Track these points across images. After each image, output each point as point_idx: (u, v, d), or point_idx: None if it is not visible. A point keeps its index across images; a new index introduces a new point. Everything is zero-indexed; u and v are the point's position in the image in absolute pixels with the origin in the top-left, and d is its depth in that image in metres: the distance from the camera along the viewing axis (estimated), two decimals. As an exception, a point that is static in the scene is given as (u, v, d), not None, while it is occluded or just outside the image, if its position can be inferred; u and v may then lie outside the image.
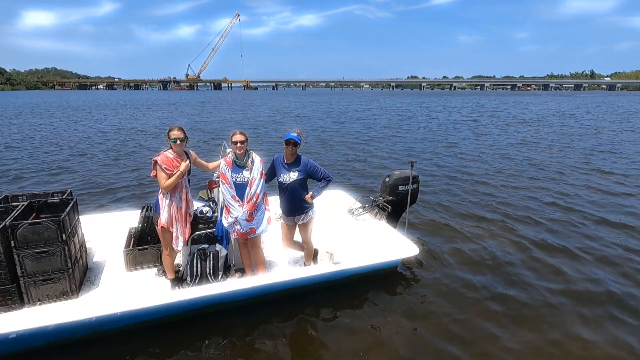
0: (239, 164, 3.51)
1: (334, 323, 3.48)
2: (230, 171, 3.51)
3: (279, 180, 3.66)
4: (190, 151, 3.54)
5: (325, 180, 3.65)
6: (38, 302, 3.24)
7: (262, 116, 27.12)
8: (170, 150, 3.34)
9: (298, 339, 3.29)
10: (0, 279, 3.05)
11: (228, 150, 3.62)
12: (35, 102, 47.02)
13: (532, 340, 3.29)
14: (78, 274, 3.51)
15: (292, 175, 3.56)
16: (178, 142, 3.31)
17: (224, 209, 3.61)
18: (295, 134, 3.55)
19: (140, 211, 4.42)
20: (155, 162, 3.26)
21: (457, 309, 3.72)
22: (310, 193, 3.69)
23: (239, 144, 3.44)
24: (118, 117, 26.13)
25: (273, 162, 3.70)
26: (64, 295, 3.31)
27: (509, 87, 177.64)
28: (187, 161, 3.40)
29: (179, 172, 3.29)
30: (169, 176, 3.27)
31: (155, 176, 3.30)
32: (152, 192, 7.71)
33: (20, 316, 3.09)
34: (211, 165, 3.76)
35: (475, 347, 3.20)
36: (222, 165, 3.56)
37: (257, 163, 3.55)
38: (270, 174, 3.74)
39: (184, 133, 3.36)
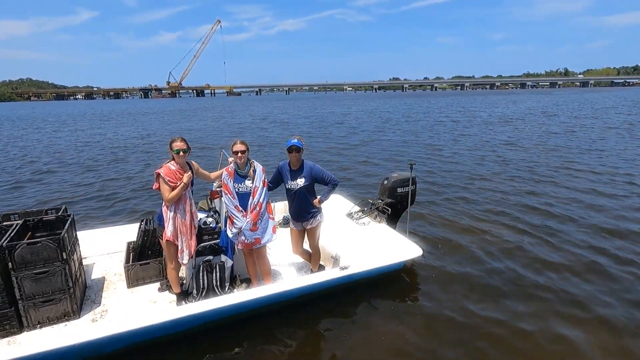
0: (241, 174, 3.47)
1: (342, 329, 3.45)
2: (232, 181, 3.46)
3: (287, 187, 3.65)
4: (192, 162, 3.48)
5: (331, 184, 3.66)
6: (38, 325, 3.10)
7: (245, 123, 26.88)
8: (172, 162, 3.27)
9: (308, 346, 3.25)
10: (-2, 303, 2.91)
11: (230, 159, 3.57)
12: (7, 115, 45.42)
13: (539, 339, 3.33)
14: (78, 293, 3.39)
15: (299, 182, 3.56)
16: (181, 153, 3.24)
17: (228, 219, 3.55)
18: (295, 140, 3.56)
19: (138, 224, 4.29)
20: (158, 174, 3.18)
21: (463, 309, 3.75)
22: (318, 197, 3.69)
23: (239, 154, 3.40)
24: (93, 128, 25.50)
25: (279, 169, 3.69)
26: (65, 316, 3.19)
27: (487, 87, 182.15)
28: (190, 172, 3.34)
29: (182, 184, 3.22)
30: (172, 188, 3.19)
31: (158, 189, 3.22)
32: (141, 205, 7.54)
33: (20, 341, 2.96)
34: (213, 175, 3.71)
35: (482, 348, 3.21)
36: (224, 175, 3.51)
37: (259, 172, 3.51)
38: (276, 181, 3.73)
39: (187, 144, 3.29)
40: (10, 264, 2.92)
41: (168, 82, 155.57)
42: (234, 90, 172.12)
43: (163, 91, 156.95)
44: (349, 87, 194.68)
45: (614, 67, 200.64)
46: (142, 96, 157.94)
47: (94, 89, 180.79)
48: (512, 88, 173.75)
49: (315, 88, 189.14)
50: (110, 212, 7.12)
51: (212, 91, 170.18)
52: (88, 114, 43.57)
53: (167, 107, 58.33)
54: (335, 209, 5.63)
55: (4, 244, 2.92)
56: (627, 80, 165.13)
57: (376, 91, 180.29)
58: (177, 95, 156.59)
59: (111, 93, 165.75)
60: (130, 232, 4.69)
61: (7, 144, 17.45)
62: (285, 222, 5.59)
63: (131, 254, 4.10)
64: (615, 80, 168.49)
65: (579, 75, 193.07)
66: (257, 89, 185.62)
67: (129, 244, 4.22)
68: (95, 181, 9.60)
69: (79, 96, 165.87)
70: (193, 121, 29.34)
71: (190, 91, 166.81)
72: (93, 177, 10.06)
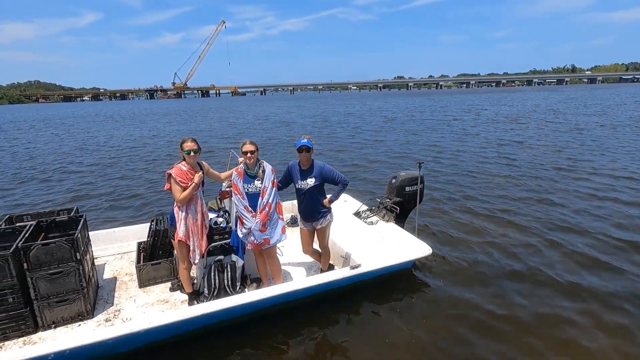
0: (250, 174, 3.48)
1: (351, 328, 3.46)
2: (242, 182, 3.47)
3: (297, 187, 3.65)
4: (203, 162, 3.49)
5: (341, 184, 3.66)
6: (53, 325, 3.14)
7: (249, 123, 26.85)
8: (183, 163, 3.28)
9: (318, 345, 3.25)
10: (14, 304, 2.95)
11: (240, 159, 3.58)
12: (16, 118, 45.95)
13: (551, 338, 3.30)
14: (92, 294, 3.42)
15: (310, 182, 3.55)
16: (192, 153, 3.25)
17: (238, 219, 3.57)
18: (305, 140, 3.56)
19: (148, 225, 4.33)
20: (170, 175, 3.20)
21: (471, 309, 3.73)
22: (328, 197, 3.69)
23: (249, 154, 3.40)
24: (98, 130, 25.71)
25: (288, 169, 3.69)
26: (79, 316, 3.22)
27: (493, 84, 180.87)
28: (201, 173, 3.35)
29: (193, 184, 3.24)
30: (184, 189, 3.21)
31: (169, 189, 3.24)
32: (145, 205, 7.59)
33: (35, 341, 3.00)
34: (223, 175, 3.72)
35: (492, 346, 3.20)
36: (233, 175, 3.52)
37: (269, 172, 3.52)
38: (286, 181, 3.74)
39: (197, 144, 3.31)
40: (25, 264, 2.96)
41: (173, 83, 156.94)
42: (239, 90, 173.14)
43: (168, 92, 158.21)
44: (353, 86, 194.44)
45: (623, 63, 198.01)
46: (148, 97, 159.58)
47: (101, 90, 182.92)
48: (519, 85, 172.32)
49: (320, 87, 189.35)
50: (113, 213, 7.17)
51: (217, 91, 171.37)
52: (92, 115, 43.95)
53: (172, 108, 58.65)
54: (343, 208, 5.62)
55: (19, 245, 2.96)
56: (636, 76, 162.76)
57: (381, 90, 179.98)
58: (182, 95, 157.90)
59: (117, 94, 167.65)
60: (140, 232, 4.74)
61: (13, 146, 17.69)
62: (292, 222, 5.60)
63: (142, 254, 4.13)
64: (623, 76, 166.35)
65: (586, 72, 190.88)
66: (262, 89, 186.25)
67: (139, 244, 4.25)
68: (99, 182, 9.68)
69: (85, 98, 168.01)
70: (195, 122, 29.36)
71: (196, 92, 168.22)
72: (95, 178, 10.15)
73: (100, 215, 7.01)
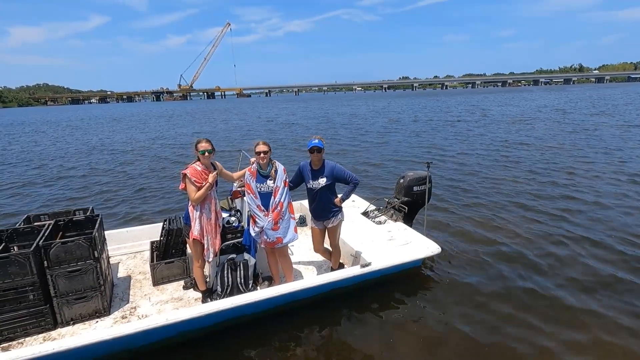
0: (263, 174, 3.54)
1: (361, 325, 3.50)
2: (254, 181, 3.53)
3: (308, 186, 3.70)
4: (216, 162, 3.56)
5: (352, 184, 3.70)
6: (71, 322, 3.22)
7: (254, 125, 26.96)
8: (198, 163, 3.36)
9: (327, 342, 3.29)
10: (35, 301, 3.03)
11: (252, 159, 3.64)
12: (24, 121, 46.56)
13: (561, 337, 3.31)
14: (108, 292, 3.50)
15: (321, 181, 3.61)
16: (206, 154, 3.32)
17: (251, 218, 3.63)
18: (317, 141, 3.61)
19: (161, 224, 4.40)
20: (185, 175, 3.27)
21: (481, 306, 3.75)
22: (339, 197, 3.74)
23: (262, 154, 3.46)
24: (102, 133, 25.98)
25: (300, 169, 3.74)
26: (96, 313, 3.30)
27: (499, 84, 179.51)
28: (215, 172, 3.42)
29: (207, 184, 3.30)
30: (198, 188, 3.28)
31: (184, 189, 3.31)
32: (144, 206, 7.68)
33: (55, 337, 3.08)
34: (236, 175, 3.79)
35: (500, 346, 3.21)
36: (246, 175, 3.58)
37: (281, 172, 3.57)
38: (297, 181, 3.79)
39: (212, 145, 3.38)
40: (45, 262, 3.04)
41: (179, 85, 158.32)
42: (244, 92, 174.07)
43: (174, 94, 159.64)
44: (358, 87, 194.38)
45: (631, 62, 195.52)
46: (154, 99, 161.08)
47: (108, 92, 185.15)
48: (525, 85, 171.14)
49: (325, 88, 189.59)
50: (113, 212, 7.28)
51: (223, 93, 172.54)
52: (98, 118, 44.44)
53: (177, 110, 59.07)
54: (352, 208, 5.66)
55: (40, 243, 3.04)
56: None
57: (385, 90, 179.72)
58: (188, 97, 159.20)
59: (124, 96, 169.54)
60: (151, 232, 4.82)
61: (23, 149, 17.98)
62: (302, 222, 5.65)
63: (155, 253, 4.21)
64: (632, 76, 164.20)
65: (594, 71, 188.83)
66: (267, 91, 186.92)
67: (152, 243, 4.33)
68: (97, 185, 9.81)
69: (93, 100, 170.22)
70: (199, 124, 29.51)
71: (201, 93, 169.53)
72: (95, 180, 10.28)
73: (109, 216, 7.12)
